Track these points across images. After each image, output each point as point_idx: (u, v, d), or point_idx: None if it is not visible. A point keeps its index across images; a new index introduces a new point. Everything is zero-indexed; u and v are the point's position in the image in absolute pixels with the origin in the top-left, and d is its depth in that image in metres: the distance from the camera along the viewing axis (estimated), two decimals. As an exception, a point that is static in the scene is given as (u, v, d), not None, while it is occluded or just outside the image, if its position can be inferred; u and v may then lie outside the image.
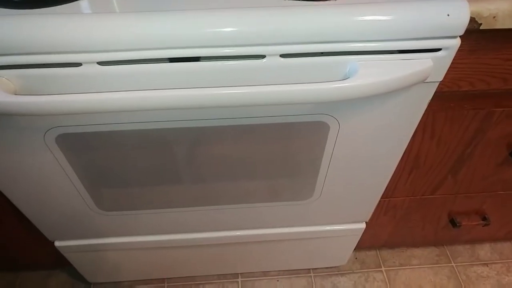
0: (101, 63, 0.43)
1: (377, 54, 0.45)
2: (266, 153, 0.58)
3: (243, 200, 0.69)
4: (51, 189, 0.61)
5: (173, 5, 0.43)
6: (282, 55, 0.44)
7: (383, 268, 1.01)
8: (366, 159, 0.61)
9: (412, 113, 0.53)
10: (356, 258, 1.04)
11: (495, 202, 0.83)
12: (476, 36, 0.47)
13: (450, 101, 0.57)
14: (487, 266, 1.02)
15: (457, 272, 1.01)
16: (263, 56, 0.44)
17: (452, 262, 1.03)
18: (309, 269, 1.01)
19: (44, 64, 0.42)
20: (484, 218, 0.87)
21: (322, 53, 0.44)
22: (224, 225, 0.77)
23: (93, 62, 0.43)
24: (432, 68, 0.45)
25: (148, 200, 0.67)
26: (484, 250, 1.06)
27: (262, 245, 0.86)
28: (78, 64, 0.43)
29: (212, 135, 0.54)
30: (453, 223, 0.87)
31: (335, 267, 1.02)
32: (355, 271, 1.01)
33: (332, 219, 0.77)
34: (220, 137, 0.54)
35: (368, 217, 0.78)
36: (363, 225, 0.80)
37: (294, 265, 0.98)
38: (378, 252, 1.04)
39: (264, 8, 0.42)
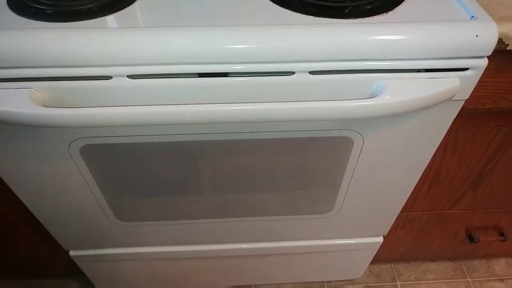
0: (130, 76, 0.44)
1: (405, 72, 0.45)
2: (287, 167, 0.58)
3: (262, 213, 0.69)
4: (71, 199, 0.62)
5: (199, 22, 0.44)
6: (311, 72, 0.44)
7: (398, 283, 1.01)
8: (388, 174, 0.61)
9: (436, 130, 0.53)
10: (370, 271, 1.03)
11: (513, 218, 0.83)
12: (502, 56, 0.47)
13: (473, 118, 0.57)
14: (503, 281, 1.01)
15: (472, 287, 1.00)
16: (292, 73, 0.44)
17: (468, 277, 1.02)
18: (323, 282, 1.01)
19: (74, 76, 0.43)
20: (501, 234, 0.86)
21: (350, 70, 0.45)
22: (242, 237, 0.77)
23: (123, 76, 0.44)
24: (459, 87, 0.46)
25: (166, 212, 0.68)
26: (500, 265, 1.04)
27: (278, 257, 0.86)
28: (108, 77, 0.44)
29: (236, 148, 0.54)
30: (470, 238, 0.86)
31: (349, 280, 1.01)
32: (369, 284, 1.00)
33: (350, 232, 0.77)
34: (243, 150, 0.55)
35: (386, 231, 0.77)
36: (381, 239, 0.80)
37: (308, 278, 0.98)
38: (393, 266, 1.04)
39: (294, 26, 0.43)
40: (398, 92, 0.44)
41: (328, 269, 0.92)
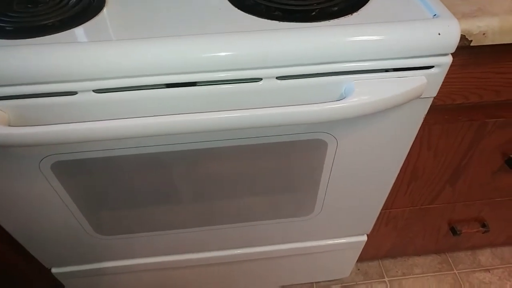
0: (96, 90, 0.43)
1: (372, 73, 0.45)
2: (265, 172, 0.58)
3: (244, 219, 0.69)
4: (47, 217, 0.61)
5: (166, 31, 0.43)
6: (279, 77, 0.44)
7: (386, 279, 1.01)
8: (365, 174, 0.61)
9: (408, 127, 0.54)
10: (358, 269, 1.03)
11: (493, 209, 0.84)
12: (467, 52, 0.48)
13: (444, 113, 0.58)
14: (489, 272, 1.03)
15: (459, 279, 1.01)
16: (259, 79, 0.44)
17: (455, 269, 1.03)
18: (312, 282, 1.01)
19: (38, 94, 0.43)
20: (483, 225, 0.87)
21: (318, 74, 0.45)
22: (226, 244, 0.77)
23: (88, 90, 0.43)
24: (426, 85, 0.46)
25: (148, 223, 0.67)
26: (485, 256, 1.06)
27: (264, 261, 0.85)
28: (73, 93, 0.43)
29: (210, 156, 0.54)
30: (453, 231, 0.87)
31: (338, 279, 1.01)
32: (358, 282, 1.01)
33: (334, 233, 0.77)
34: (218, 158, 0.54)
35: (369, 229, 0.78)
36: (365, 238, 0.80)
37: (296, 279, 0.97)
38: (380, 262, 1.04)
39: (259, 32, 0.43)
40: (366, 93, 0.44)
41: (315, 269, 0.92)
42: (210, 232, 0.72)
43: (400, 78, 0.46)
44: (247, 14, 0.46)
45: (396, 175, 0.63)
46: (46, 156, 0.50)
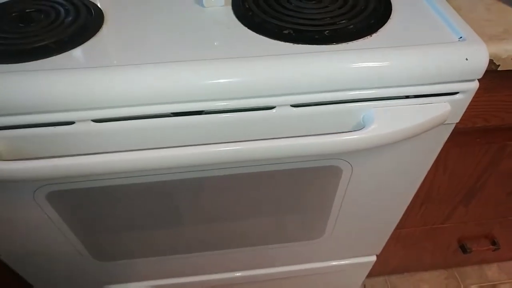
0: (96, 120, 0.40)
1: (392, 99, 0.42)
2: (275, 198, 0.55)
3: (251, 243, 0.65)
4: (43, 244, 0.57)
5: (172, 55, 0.40)
6: (293, 105, 0.41)
7: (392, 295, 0.99)
8: (379, 198, 0.58)
9: (427, 154, 0.51)
10: (364, 286, 1.01)
11: (504, 227, 0.81)
12: (493, 75, 0.45)
13: (463, 136, 0.55)
14: (496, 287, 1.00)
15: (467, 295, 0.99)
16: (273, 107, 0.41)
17: (462, 285, 1.01)
18: (316, 300, 0.98)
19: (31, 124, 0.39)
20: (493, 243, 0.85)
21: (335, 101, 0.42)
22: (232, 267, 0.73)
23: (87, 120, 0.39)
24: (450, 112, 0.43)
25: (149, 248, 0.63)
26: (492, 271, 1.04)
27: (271, 282, 0.82)
28: (70, 123, 0.39)
29: (217, 184, 0.50)
30: (463, 249, 0.85)
31: (343, 296, 0.98)
32: (364, 299, 0.98)
33: (343, 254, 0.74)
34: (226, 185, 0.51)
35: (379, 250, 0.75)
36: (374, 258, 0.77)
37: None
38: (387, 278, 1.02)
39: (274, 58, 0.39)
40: (386, 122, 0.41)
41: (321, 288, 0.90)
42: (215, 255, 0.68)
43: (422, 105, 0.43)
44: (258, 35, 0.43)
45: (410, 199, 0.60)
46: (41, 187, 0.46)
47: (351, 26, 0.43)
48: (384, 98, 0.42)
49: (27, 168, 0.38)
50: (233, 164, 0.47)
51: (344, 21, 0.44)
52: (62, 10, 0.45)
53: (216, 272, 0.75)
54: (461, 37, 0.41)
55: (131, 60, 0.39)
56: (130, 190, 0.49)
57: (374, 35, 0.43)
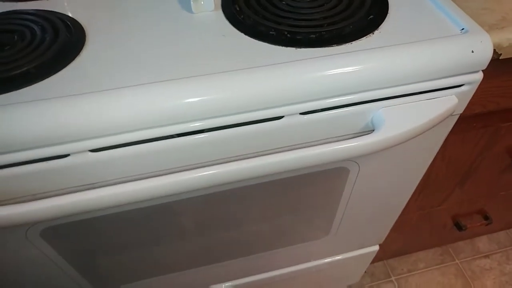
0: (94, 150, 0.36)
1: (399, 97, 0.41)
2: (285, 203, 0.53)
3: (254, 251, 0.64)
4: (41, 282, 0.53)
5: (167, 72, 0.37)
6: (302, 113, 0.39)
7: (393, 278, 1.01)
8: (384, 194, 0.58)
9: (432, 146, 0.51)
10: (365, 272, 1.02)
11: (496, 202, 0.84)
12: (493, 64, 0.45)
13: (461, 123, 0.55)
14: (488, 257, 1.04)
15: (462, 269, 1.02)
16: (281, 117, 0.39)
17: (456, 259, 1.04)
18: (320, 292, 0.98)
19: (19, 162, 0.35)
20: (485, 217, 0.88)
21: (344, 105, 0.40)
22: (235, 274, 0.72)
23: (84, 151, 0.36)
24: (457, 104, 0.43)
25: (155, 268, 0.61)
26: (483, 242, 1.08)
27: (273, 284, 0.81)
28: (65, 155, 0.36)
29: (225, 197, 0.48)
30: (458, 226, 0.87)
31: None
32: (365, 285, 0.99)
33: (347, 249, 0.74)
34: (232, 197, 0.49)
35: (382, 240, 0.76)
36: (377, 247, 0.78)
37: (305, 292, 0.95)
38: (385, 262, 1.03)
39: (279, 67, 0.37)
40: (397, 122, 0.40)
41: (326, 281, 0.90)
42: (220, 266, 0.67)
43: (429, 100, 0.42)
44: (257, 41, 0.40)
45: (413, 190, 0.60)
46: (33, 225, 0.42)
47: (351, 26, 0.42)
48: (391, 97, 0.41)
49: (16, 214, 0.34)
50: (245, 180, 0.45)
51: (343, 20, 0.42)
52: (36, 28, 0.41)
53: (222, 281, 0.73)
54: (463, 29, 0.41)
55: (122, 81, 0.36)
56: (130, 216, 0.46)
57: (376, 32, 0.41)
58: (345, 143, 0.38)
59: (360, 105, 0.40)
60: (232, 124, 0.38)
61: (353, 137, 0.39)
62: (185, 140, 0.38)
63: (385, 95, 0.40)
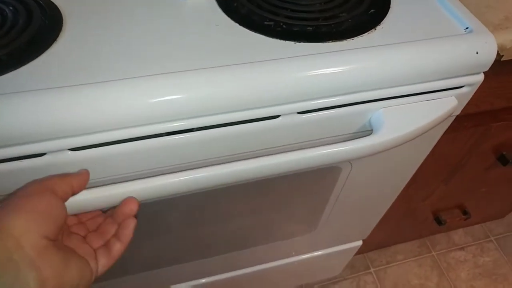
0: (74, 149, 0.33)
1: (399, 98, 0.40)
2: (275, 202, 0.52)
3: (242, 246, 0.62)
4: None
5: (157, 65, 0.34)
6: (300, 112, 0.37)
7: (372, 269, 1.02)
8: (374, 190, 0.57)
9: (425, 146, 0.50)
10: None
11: (476, 198, 0.86)
12: (493, 66, 0.44)
13: (453, 122, 0.54)
14: (463, 250, 1.08)
15: (438, 260, 1.05)
16: (277, 116, 0.37)
17: (432, 251, 1.07)
18: (301, 284, 0.99)
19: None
20: (464, 212, 0.89)
21: (343, 104, 0.38)
22: (222, 269, 0.70)
23: (63, 150, 0.32)
24: (457, 105, 0.42)
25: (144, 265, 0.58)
26: (458, 235, 1.11)
27: (256, 275, 0.81)
28: (41, 154, 0.32)
29: (218, 194, 0.46)
30: (438, 221, 0.89)
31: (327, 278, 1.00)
32: (346, 277, 1.01)
33: (331, 243, 0.74)
34: (220, 194, 0.47)
35: (366, 235, 0.76)
36: (360, 243, 0.78)
37: (287, 285, 0.95)
38: (365, 254, 1.05)
39: (277, 63, 0.34)
40: (397, 124, 0.39)
41: (308, 274, 0.90)
42: (214, 260, 0.65)
43: (429, 101, 0.41)
44: (253, 33, 0.37)
45: (402, 188, 0.60)
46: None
47: (350, 20, 0.40)
48: (390, 97, 0.39)
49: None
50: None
51: (343, 12, 0.40)
52: (7, 11, 0.36)
53: (209, 275, 0.71)
54: (467, 28, 0.39)
55: (104, 74, 0.32)
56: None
57: (378, 28, 0.39)
58: (344, 145, 0.37)
59: (359, 105, 0.39)
60: (220, 124, 0.35)
61: (352, 138, 0.37)
62: (177, 139, 0.35)
63: (384, 95, 0.38)
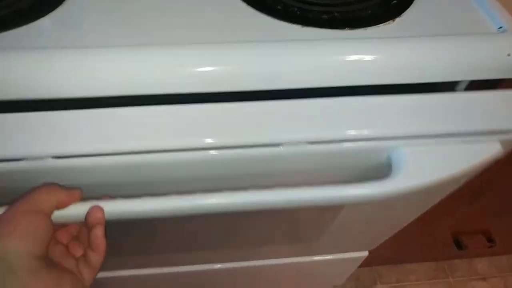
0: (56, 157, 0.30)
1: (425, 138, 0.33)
2: (277, 222, 0.48)
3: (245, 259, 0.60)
4: None
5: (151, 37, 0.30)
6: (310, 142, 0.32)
7: (379, 285, 0.97)
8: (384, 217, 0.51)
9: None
10: (350, 275, 0.98)
11: (504, 224, 0.77)
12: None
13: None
14: (485, 280, 0.99)
15: None
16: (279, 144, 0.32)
17: (450, 277, 0.99)
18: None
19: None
20: (490, 239, 0.81)
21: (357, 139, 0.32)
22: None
23: (45, 157, 0.29)
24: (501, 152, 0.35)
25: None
26: (482, 264, 1.02)
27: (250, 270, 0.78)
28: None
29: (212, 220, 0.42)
30: (458, 244, 0.81)
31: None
32: (349, 289, 0.96)
33: (333, 250, 0.70)
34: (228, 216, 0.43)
35: (373, 247, 0.71)
36: (366, 253, 0.73)
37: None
38: (373, 268, 0.99)
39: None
40: (421, 168, 0.32)
41: (308, 279, 0.87)
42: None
43: (465, 144, 0.34)
44: (260, 14, 0.33)
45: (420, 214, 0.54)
46: None
47: (369, 10, 0.35)
48: (414, 136, 0.33)
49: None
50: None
51: (362, 1, 0.36)
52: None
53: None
54: (501, 27, 0.34)
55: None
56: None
57: (397, 19, 0.35)
58: (359, 187, 0.31)
59: (377, 141, 0.33)
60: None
61: (365, 179, 0.32)
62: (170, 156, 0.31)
63: (407, 132, 0.32)
